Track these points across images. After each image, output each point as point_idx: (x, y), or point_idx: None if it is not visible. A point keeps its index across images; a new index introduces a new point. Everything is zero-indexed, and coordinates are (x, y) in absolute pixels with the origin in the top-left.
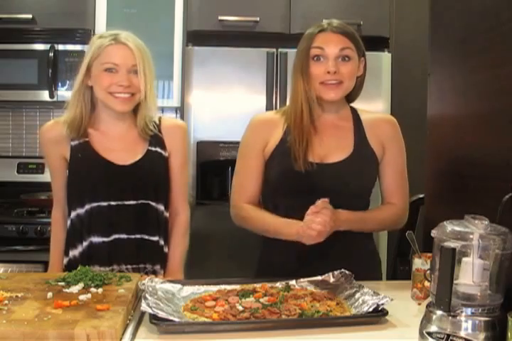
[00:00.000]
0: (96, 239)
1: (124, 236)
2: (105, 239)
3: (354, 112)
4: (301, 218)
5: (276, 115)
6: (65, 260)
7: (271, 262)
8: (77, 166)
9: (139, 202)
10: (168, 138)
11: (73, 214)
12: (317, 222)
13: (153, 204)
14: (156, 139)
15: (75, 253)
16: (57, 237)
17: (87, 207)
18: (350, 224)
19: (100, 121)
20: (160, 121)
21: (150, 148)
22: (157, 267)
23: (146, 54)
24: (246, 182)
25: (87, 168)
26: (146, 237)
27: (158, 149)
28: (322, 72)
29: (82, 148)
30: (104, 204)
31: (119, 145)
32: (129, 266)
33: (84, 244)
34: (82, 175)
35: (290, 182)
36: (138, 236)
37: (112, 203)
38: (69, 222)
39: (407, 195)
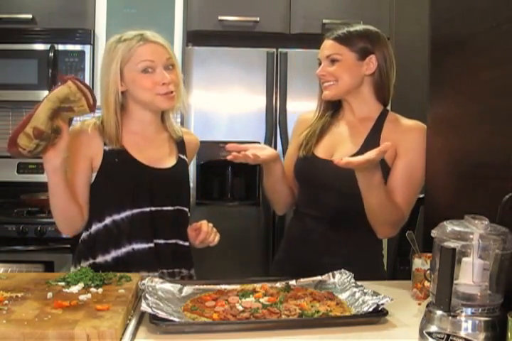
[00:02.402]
0: (137, 246)
1: (162, 241)
2: (146, 245)
3: (382, 116)
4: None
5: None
6: (85, 264)
7: (286, 261)
8: (113, 172)
9: (176, 207)
10: (188, 151)
11: (108, 219)
12: None
13: (185, 210)
14: (182, 147)
15: (106, 258)
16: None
17: (128, 213)
18: (380, 176)
19: (133, 121)
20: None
21: (179, 155)
22: (191, 272)
23: (172, 49)
24: (285, 167)
25: (127, 173)
26: (181, 242)
27: (185, 157)
28: (317, 74)
29: (117, 152)
30: (147, 209)
31: (152, 148)
32: (164, 271)
33: (123, 249)
34: (124, 181)
35: (300, 176)
36: (173, 241)
37: (153, 208)
38: (100, 227)
39: (408, 207)
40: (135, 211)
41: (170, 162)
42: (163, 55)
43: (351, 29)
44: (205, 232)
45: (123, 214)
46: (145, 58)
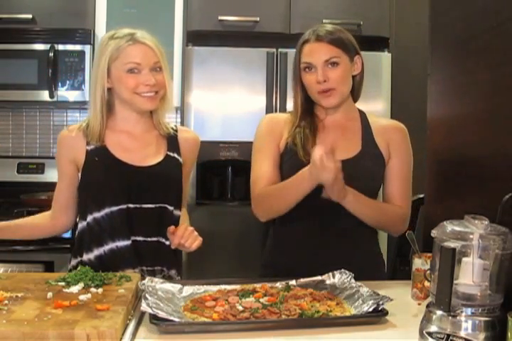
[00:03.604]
0: (119, 243)
1: (141, 238)
2: (125, 242)
3: (362, 115)
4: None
5: (288, 115)
6: (74, 261)
7: (276, 262)
8: (93, 170)
9: (157, 205)
10: (185, 149)
11: (89, 218)
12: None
13: (170, 208)
14: (174, 145)
15: (89, 256)
16: (30, 218)
17: (107, 210)
18: (355, 195)
19: (119, 120)
20: (177, 130)
21: (169, 153)
22: (172, 272)
23: (163, 50)
24: (263, 173)
25: (105, 171)
26: (163, 240)
27: (176, 155)
28: (313, 81)
29: (98, 151)
30: (124, 207)
31: (138, 146)
32: (144, 268)
33: (106, 247)
34: (100, 179)
35: None
36: (155, 239)
37: (131, 206)
38: (84, 226)
39: (410, 203)
40: (113, 208)
41: (155, 160)
42: (151, 58)
43: (332, 29)
44: (178, 237)
45: (103, 212)
46: (132, 60)
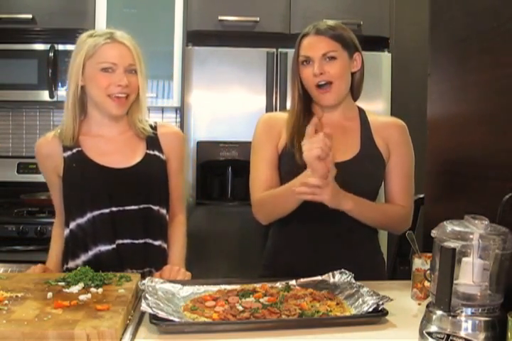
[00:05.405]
0: (102, 247)
1: (128, 241)
2: (110, 246)
3: (362, 113)
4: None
5: (285, 115)
6: (64, 268)
7: (277, 263)
8: (72, 176)
9: (141, 206)
10: (166, 144)
11: (73, 224)
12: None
13: (155, 208)
14: (153, 142)
15: (77, 262)
16: (55, 251)
17: (89, 215)
18: (354, 200)
19: (93, 124)
20: (156, 126)
21: (148, 151)
22: None
23: (140, 53)
24: (262, 175)
25: (84, 176)
26: (150, 241)
27: (157, 152)
28: (310, 74)
29: (75, 157)
30: (106, 211)
31: (115, 148)
32: (134, 271)
33: (90, 252)
34: (79, 184)
35: None
36: (142, 240)
37: (114, 209)
38: (68, 233)
39: (412, 200)
40: (95, 213)
41: (134, 160)
42: (127, 59)
43: (333, 25)
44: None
45: (85, 218)
46: (107, 60)
